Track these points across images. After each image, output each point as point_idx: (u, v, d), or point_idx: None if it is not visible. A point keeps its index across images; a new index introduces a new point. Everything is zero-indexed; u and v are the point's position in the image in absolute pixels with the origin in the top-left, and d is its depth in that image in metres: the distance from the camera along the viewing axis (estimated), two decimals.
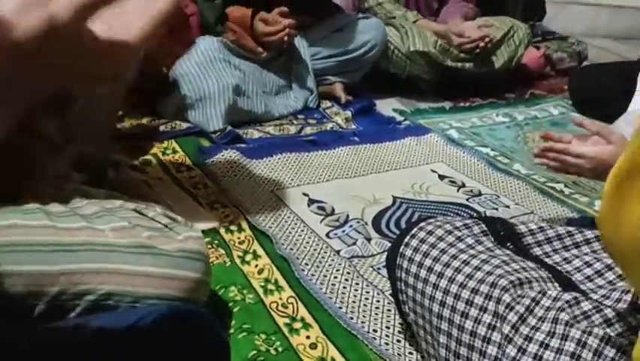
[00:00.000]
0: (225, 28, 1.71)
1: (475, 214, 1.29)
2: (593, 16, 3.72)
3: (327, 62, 1.89)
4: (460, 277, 0.76)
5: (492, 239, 0.84)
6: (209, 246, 1.03)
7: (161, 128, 1.53)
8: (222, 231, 1.10)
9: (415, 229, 0.85)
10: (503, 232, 0.85)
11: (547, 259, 0.83)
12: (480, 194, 1.39)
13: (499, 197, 1.39)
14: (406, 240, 0.84)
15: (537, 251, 0.84)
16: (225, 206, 1.19)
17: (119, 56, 0.45)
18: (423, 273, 0.80)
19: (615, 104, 1.98)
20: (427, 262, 0.80)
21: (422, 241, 0.82)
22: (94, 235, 0.66)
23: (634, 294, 0.68)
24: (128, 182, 1.07)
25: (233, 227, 1.12)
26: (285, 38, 1.70)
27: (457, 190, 1.40)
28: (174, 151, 1.43)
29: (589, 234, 0.86)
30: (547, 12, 2.86)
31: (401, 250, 0.84)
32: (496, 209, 1.33)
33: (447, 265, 0.78)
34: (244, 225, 1.13)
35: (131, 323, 0.54)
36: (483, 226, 0.85)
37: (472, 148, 1.66)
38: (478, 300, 0.72)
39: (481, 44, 1.96)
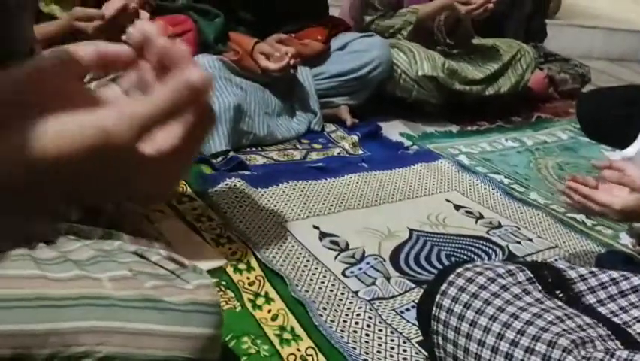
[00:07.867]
0: (226, 47, 1.64)
1: (498, 249, 1.21)
2: (589, 39, 3.72)
3: (331, 82, 1.81)
4: (510, 334, 0.67)
5: (539, 288, 0.75)
6: (217, 288, 0.93)
7: None
8: (230, 270, 1.01)
9: (452, 276, 0.76)
10: (551, 279, 0.76)
11: (601, 308, 0.75)
12: (500, 226, 1.31)
13: (519, 229, 1.30)
14: (442, 288, 0.75)
15: (590, 299, 0.75)
16: (232, 241, 1.09)
17: (170, 174, 0.37)
18: (465, 327, 0.71)
19: (623, 128, 1.93)
20: (470, 314, 0.71)
21: (462, 289, 0.74)
22: (90, 285, 0.56)
23: None
24: (128, 216, 0.97)
25: (241, 265, 1.02)
26: (291, 71, 1.65)
27: (476, 222, 1.32)
28: None
29: None
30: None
31: (437, 299, 0.75)
32: (519, 243, 1.24)
33: (493, 318, 0.70)
34: (253, 263, 1.03)
35: None
36: (528, 272, 0.76)
37: (486, 175, 1.58)
38: None
39: (490, 6, 1.88)
